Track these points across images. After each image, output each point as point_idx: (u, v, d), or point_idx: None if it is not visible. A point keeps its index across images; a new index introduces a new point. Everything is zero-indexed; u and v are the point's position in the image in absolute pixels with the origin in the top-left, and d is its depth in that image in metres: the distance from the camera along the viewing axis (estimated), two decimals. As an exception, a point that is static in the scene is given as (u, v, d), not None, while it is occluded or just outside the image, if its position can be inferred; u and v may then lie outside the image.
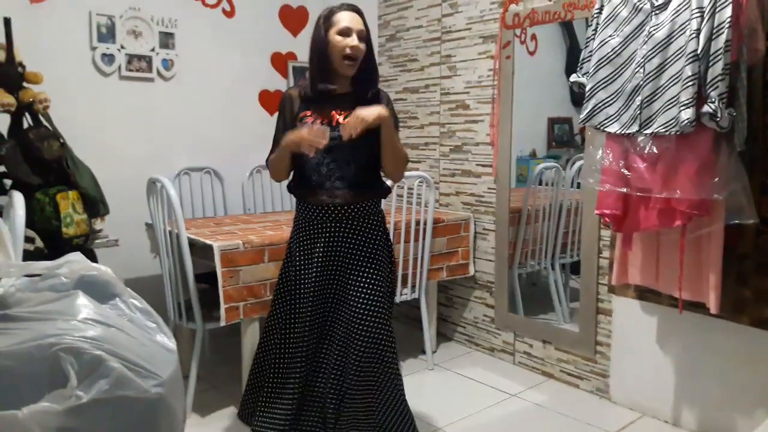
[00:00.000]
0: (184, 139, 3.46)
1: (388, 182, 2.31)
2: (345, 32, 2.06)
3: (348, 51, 2.05)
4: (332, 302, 2.18)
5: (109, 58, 3.18)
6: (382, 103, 2.14)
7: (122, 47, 3.21)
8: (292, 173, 2.23)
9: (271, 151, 2.22)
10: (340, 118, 2.09)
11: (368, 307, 2.10)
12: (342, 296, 2.16)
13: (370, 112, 1.96)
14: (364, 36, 2.10)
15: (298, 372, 2.17)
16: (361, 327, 2.09)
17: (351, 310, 2.12)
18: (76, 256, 1.47)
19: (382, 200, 2.30)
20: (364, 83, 2.15)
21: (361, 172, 2.13)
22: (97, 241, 2.80)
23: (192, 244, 2.64)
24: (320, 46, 2.09)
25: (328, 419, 2.16)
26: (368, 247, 2.17)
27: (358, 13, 2.12)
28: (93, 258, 2.63)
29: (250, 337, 2.71)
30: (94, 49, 3.13)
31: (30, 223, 2.46)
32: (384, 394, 2.12)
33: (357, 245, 2.16)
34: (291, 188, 2.26)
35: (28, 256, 2.29)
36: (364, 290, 2.13)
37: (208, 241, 2.58)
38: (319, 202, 2.13)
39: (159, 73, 3.35)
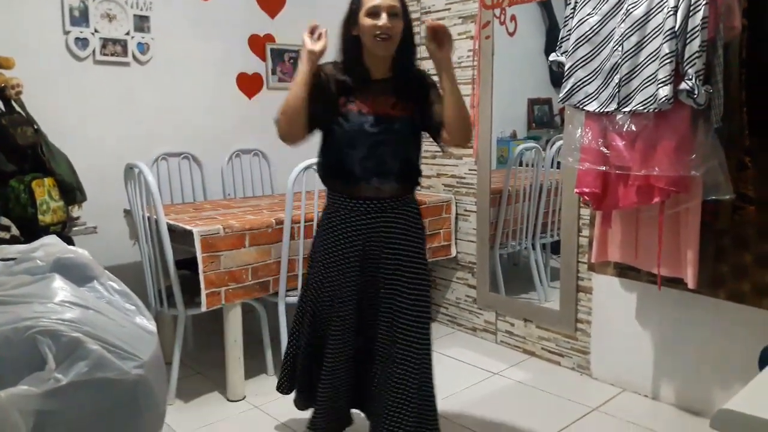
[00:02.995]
0: (162, 124, 3.41)
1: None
2: (374, 12, 1.94)
3: (377, 31, 1.93)
4: (372, 298, 2.06)
5: (83, 42, 3.12)
6: (428, 82, 2.07)
7: (96, 31, 3.14)
8: (323, 161, 2.10)
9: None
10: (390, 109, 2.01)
11: (414, 311, 2.03)
12: (387, 292, 2.04)
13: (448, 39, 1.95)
14: (398, 12, 1.96)
15: (339, 372, 2.07)
16: (406, 331, 2.02)
17: (398, 312, 2.03)
18: (52, 239, 1.45)
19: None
20: (403, 65, 2.04)
21: (406, 165, 2.09)
22: (75, 228, 2.76)
23: (171, 229, 2.62)
24: (351, 31, 2.00)
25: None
26: (411, 241, 2.07)
27: None
28: (71, 245, 2.59)
29: (233, 322, 2.70)
30: (67, 33, 3.06)
31: (5, 212, 2.42)
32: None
33: (399, 240, 2.06)
34: (324, 179, 2.14)
35: (3, 244, 2.25)
36: (412, 290, 2.04)
37: (187, 227, 2.56)
38: (362, 196, 2.03)
39: (135, 57, 3.29)
